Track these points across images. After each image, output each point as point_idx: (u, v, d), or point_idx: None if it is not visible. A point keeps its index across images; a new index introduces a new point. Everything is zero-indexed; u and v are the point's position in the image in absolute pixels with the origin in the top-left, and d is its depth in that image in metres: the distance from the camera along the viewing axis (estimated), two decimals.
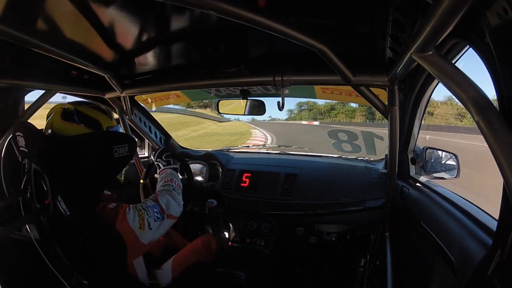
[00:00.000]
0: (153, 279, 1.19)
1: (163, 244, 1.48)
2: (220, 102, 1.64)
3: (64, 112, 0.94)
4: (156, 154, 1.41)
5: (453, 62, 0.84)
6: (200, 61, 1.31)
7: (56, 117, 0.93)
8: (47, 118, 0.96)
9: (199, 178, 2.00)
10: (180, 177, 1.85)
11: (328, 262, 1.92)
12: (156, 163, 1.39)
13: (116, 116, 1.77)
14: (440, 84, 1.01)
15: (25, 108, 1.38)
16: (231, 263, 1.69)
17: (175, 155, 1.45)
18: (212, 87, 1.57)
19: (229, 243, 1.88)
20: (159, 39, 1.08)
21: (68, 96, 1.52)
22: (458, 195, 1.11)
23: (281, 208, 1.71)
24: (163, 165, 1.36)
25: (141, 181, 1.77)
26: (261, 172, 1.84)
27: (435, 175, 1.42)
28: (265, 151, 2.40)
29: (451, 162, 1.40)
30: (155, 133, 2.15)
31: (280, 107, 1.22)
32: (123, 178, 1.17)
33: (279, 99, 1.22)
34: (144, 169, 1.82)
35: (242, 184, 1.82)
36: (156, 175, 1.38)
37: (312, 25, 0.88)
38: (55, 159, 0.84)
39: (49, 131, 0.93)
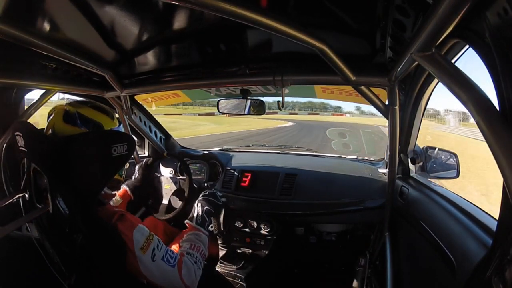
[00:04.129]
0: None
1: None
2: (220, 101, 1.64)
3: (66, 115, 0.93)
4: (207, 199, 1.30)
5: (453, 62, 0.84)
6: (200, 61, 1.31)
7: (58, 119, 0.92)
8: (48, 117, 0.95)
9: (198, 178, 2.00)
10: (180, 176, 1.86)
11: (328, 262, 1.92)
12: (199, 204, 1.28)
13: (117, 115, 1.77)
14: (440, 84, 1.01)
15: (25, 108, 1.38)
16: (231, 263, 1.70)
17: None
18: (212, 87, 1.57)
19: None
20: (159, 38, 1.08)
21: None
22: (458, 195, 1.11)
23: (281, 207, 1.72)
24: (199, 219, 1.21)
25: None
26: (261, 172, 1.84)
27: (435, 175, 1.42)
28: (265, 150, 2.39)
29: (451, 161, 1.41)
30: (155, 132, 2.15)
31: (280, 106, 1.22)
32: (123, 178, 1.17)
33: (280, 98, 1.22)
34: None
35: (242, 184, 1.82)
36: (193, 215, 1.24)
37: (312, 25, 0.88)
38: (54, 159, 0.84)
39: (50, 131, 0.92)
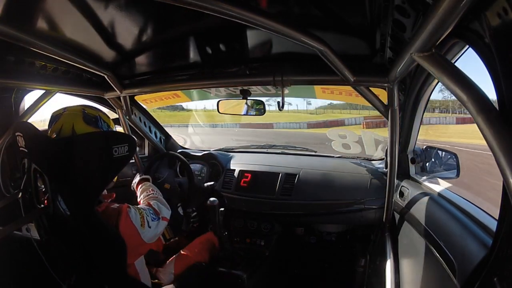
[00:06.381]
0: (155, 279, 1.20)
1: (162, 244, 1.49)
2: (220, 102, 1.64)
3: (87, 117, 0.96)
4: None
5: (453, 62, 0.84)
6: (200, 61, 1.31)
7: (77, 120, 0.94)
8: (54, 120, 0.95)
9: (198, 178, 2.00)
10: (180, 176, 1.86)
11: (328, 262, 1.92)
12: (132, 188, 1.44)
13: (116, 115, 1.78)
14: (439, 83, 1.02)
15: (25, 108, 1.38)
16: (231, 263, 1.70)
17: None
18: (212, 87, 1.57)
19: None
20: (159, 39, 1.08)
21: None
22: (458, 195, 1.11)
23: (281, 208, 1.71)
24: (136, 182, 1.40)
25: None
26: (261, 172, 1.84)
27: (435, 175, 1.42)
28: (265, 150, 2.39)
29: (450, 161, 1.41)
30: (155, 133, 2.15)
31: (280, 107, 1.22)
32: (116, 178, 1.18)
33: (279, 98, 1.22)
34: (144, 169, 1.83)
35: (242, 184, 1.82)
36: (140, 186, 1.40)
37: (312, 25, 0.88)
38: (55, 159, 0.84)
39: (54, 135, 0.92)
